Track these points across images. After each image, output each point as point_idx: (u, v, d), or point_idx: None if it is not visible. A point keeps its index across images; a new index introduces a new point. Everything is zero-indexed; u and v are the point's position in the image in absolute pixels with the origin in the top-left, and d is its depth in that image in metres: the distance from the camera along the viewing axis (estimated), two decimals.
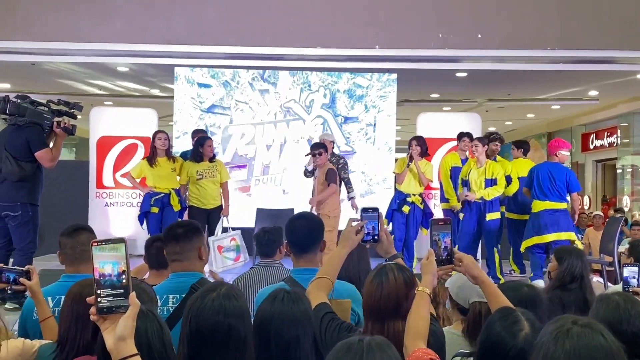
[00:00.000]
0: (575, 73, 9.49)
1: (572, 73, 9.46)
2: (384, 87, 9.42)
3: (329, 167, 7.33)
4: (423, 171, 7.49)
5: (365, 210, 2.61)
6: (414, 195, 7.53)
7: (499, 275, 7.06)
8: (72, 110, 5.81)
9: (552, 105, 13.38)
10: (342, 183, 7.59)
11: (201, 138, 7.50)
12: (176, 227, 3.06)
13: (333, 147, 7.76)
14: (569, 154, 7.30)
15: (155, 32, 8.27)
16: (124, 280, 1.52)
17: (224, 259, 6.79)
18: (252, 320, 2.13)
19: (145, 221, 7.27)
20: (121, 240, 1.53)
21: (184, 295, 2.80)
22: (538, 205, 6.98)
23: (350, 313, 2.70)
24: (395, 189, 7.81)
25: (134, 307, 1.52)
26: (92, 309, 1.52)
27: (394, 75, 9.37)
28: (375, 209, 2.61)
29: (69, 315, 2.36)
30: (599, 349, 1.48)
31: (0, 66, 9.97)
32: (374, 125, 9.43)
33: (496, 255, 7.15)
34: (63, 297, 2.82)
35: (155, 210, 7.15)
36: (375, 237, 2.58)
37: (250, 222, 8.20)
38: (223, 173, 7.53)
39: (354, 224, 2.58)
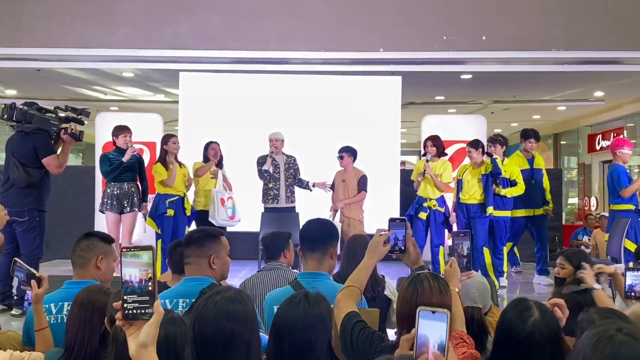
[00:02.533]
0: (581, 74, 9.47)
1: (578, 74, 9.44)
2: (388, 90, 9.41)
3: (361, 174, 7.62)
4: (439, 173, 7.35)
5: (392, 220, 2.59)
6: (430, 199, 7.45)
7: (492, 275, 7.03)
8: (79, 116, 5.84)
9: (557, 106, 13.35)
10: (299, 183, 7.85)
11: (207, 143, 7.73)
12: (196, 232, 3.09)
13: (283, 146, 7.73)
14: (630, 152, 7.11)
15: (161, 37, 8.29)
16: (150, 287, 1.53)
17: (225, 212, 7.26)
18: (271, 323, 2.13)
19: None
20: (149, 248, 1.54)
21: (193, 300, 2.80)
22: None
23: (378, 322, 2.70)
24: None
25: (158, 315, 1.53)
26: (118, 314, 1.53)
27: (399, 78, 9.36)
28: (403, 219, 2.60)
29: (77, 321, 2.36)
30: None
31: (6, 73, 10.03)
32: (379, 128, 9.42)
33: (487, 255, 7.15)
34: (65, 303, 2.83)
35: (171, 212, 7.17)
36: (402, 248, 2.57)
37: (254, 226, 8.19)
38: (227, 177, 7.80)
39: (381, 234, 2.56)
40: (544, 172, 7.94)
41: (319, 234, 3.03)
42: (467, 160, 7.91)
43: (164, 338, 1.95)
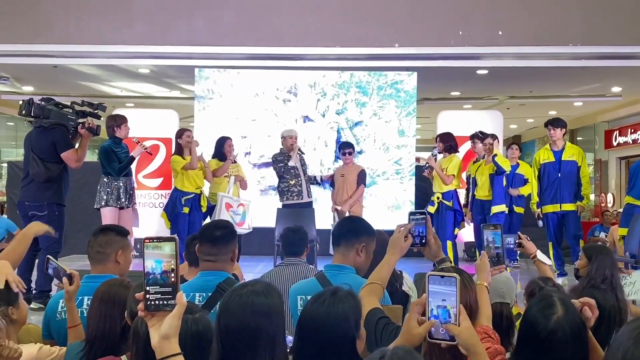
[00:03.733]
0: (598, 69, 9.37)
1: (595, 69, 9.35)
2: (403, 87, 9.39)
3: (360, 168, 7.71)
4: (444, 167, 7.44)
5: (413, 213, 2.57)
6: (436, 192, 7.51)
7: None
8: (96, 111, 5.89)
9: (574, 102, 13.24)
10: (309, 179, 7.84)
11: (221, 139, 7.73)
12: (214, 229, 3.05)
13: (297, 141, 7.67)
14: None
15: (176, 33, 8.30)
16: (172, 279, 1.52)
17: (229, 217, 6.97)
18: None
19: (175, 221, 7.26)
20: (172, 239, 1.54)
21: (210, 294, 2.82)
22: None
23: (402, 319, 2.69)
24: None
25: (181, 307, 1.53)
26: (140, 305, 1.53)
27: (414, 73, 9.33)
28: (423, 212, 2.57)
29: (97, 314, 2.38)
30: None
31: (23, 69, 10.11)
32: (395, 123, 9.40)
33: None
34: (85, 297, 2.85)
35: (186, 210, 7.21)
36: (423, 241, 2.55)
37: (270, 221, 8.21)
38: (242, 173, 7.86)
39: (401, 229, 2.54)
40: (580, 164, 7.27)
41: (343, 230, 3.04)
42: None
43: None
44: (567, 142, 7.45)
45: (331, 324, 2.04)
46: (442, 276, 1.77)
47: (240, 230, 7.11)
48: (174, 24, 8.33)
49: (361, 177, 7.66)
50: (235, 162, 7.78)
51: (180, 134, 7.41)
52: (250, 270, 7.32)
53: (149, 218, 9.08)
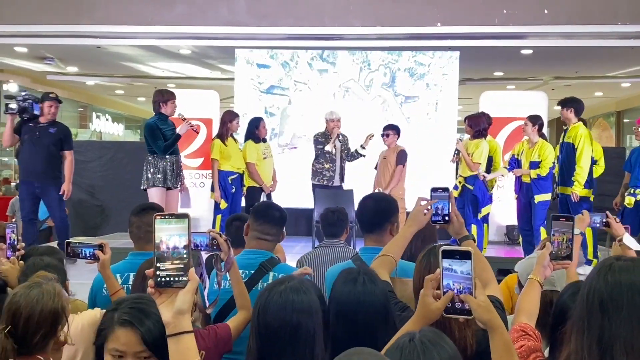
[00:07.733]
0: None
1: None
2: (446, 66, 9.24)
3: (400, 148, 7.56)
4: (471, 152, 7.25)
5: (434, 189, 2.51)
6: (460, 176, 7.40)
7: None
8: None
9: (621, 82, 12.91)
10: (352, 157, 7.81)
11: (256, 120, 7.71)
12: (274, 210, 3.11)
13: (340, 126, 7.64)
14: None
15: (216, 14, 8.32)
16: (185, 255, 1.51)
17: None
18: (329, 304, 2.11)
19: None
20: (184, 215, 1.51)
21: (252, 272, 2.86)
22: None
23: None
24: None
25: (193, 282, 1.51)
26: (150, 282, 1.51)
27: (456, 53, 9.17)
28: (446, 189, 2.50)
29: (140, 291, 2.40)
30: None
31: (66, 50, 10.28)
32: (435, 104, 9.27)
33: (543, 236, 6.95)
34: (131, 274, 2.90)
35: (232, 190, 7.39)
36: (446, 218, 2.49)
37: (308, 202, 8.21)
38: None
39: (422, 203, 2.51)
40: (578, 145, 6.76)
41: (374, 219, 3.00)
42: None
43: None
44: (577, 123, 6.91)
45: (366, 302, 2.07)
46: (456, 250, 1.73)
47: None
48: (215, 5, 8.35)
49: (399, 157, 7.51)
50: (265, 141, 7.76)
51: (232, 118, 7.43)
52: (289, 250, 7.32)
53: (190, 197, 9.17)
